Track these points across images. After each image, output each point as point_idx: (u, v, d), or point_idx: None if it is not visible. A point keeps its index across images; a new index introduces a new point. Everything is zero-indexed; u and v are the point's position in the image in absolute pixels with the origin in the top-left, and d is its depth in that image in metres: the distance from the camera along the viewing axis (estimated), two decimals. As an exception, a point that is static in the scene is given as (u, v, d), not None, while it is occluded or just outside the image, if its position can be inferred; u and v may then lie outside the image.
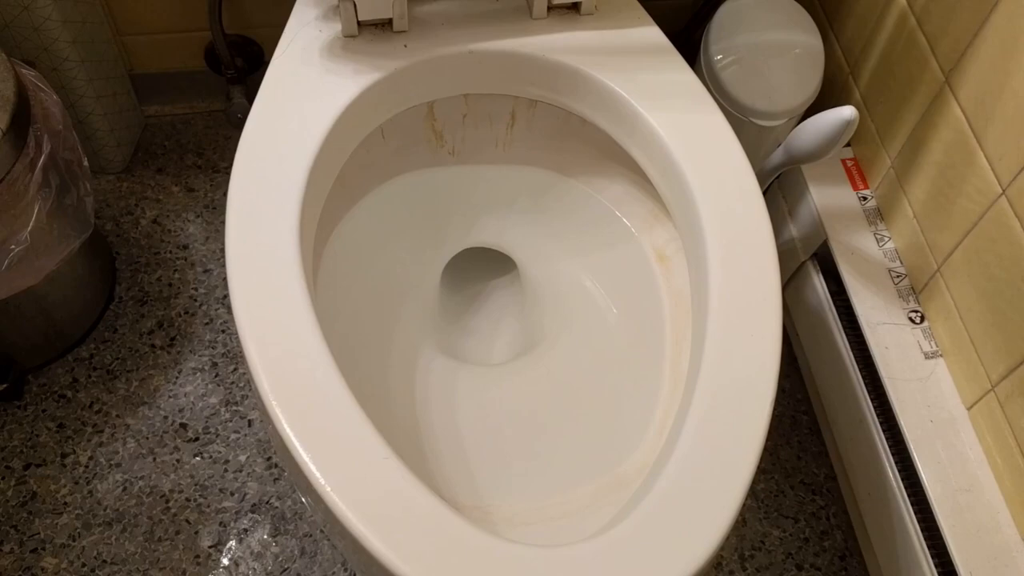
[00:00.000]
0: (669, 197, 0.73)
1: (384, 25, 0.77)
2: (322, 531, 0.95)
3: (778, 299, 0.63)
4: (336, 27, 0.76)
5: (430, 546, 0.52)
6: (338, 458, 0.55)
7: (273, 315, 0.61)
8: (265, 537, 0.95)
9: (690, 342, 0.67)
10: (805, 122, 0.80)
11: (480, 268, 0.92)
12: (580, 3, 0.78)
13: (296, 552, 0.95)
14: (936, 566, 0.80)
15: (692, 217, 0.68)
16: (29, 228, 0.85)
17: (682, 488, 0.55)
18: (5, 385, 1.00)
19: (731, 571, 0.97)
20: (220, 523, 0.96)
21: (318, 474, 0.54)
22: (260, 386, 0.58)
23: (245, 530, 0.96)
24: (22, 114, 0.83)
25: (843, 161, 1.00)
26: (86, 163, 0.93)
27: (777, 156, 0.87)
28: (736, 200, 0.68)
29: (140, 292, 1.11)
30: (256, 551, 0.95)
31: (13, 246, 0.84)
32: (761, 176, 0.91)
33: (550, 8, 0.78)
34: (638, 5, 0.81)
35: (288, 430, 0.56)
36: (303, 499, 0.61)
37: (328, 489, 0.54)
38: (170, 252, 1.15)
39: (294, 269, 0.63)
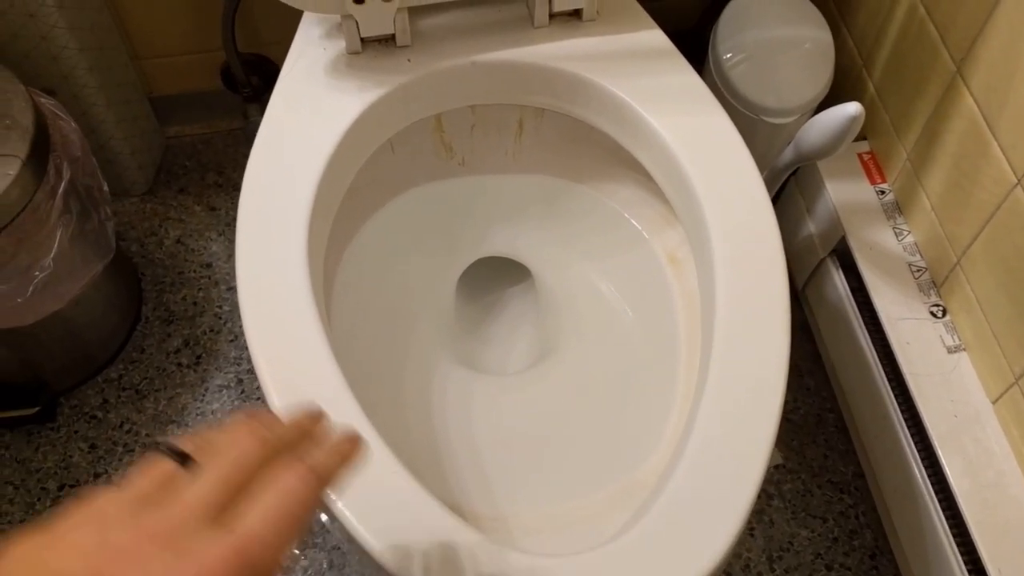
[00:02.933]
0: (676, 201, 0.72)
1: (387, 41, 0.77)
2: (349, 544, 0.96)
3: (786, 304, 0.63)
4: (340, 44, 0.77)
5: (440, 559, 0.52)
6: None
7: (283, 335, 0.62)
8: (294, 551, 0.96)
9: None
10: (811, 120, 0.79)
11: (495, 277, 0.92)
12: (581, 9, 0.78)
13: (325, 565, 0.96)
14: (965, 563, 0.79)
15: (698, 221, 0.68)
16: (52, 254, 0.87)
17: (690, 494, 0.55)
18: (38, 408, 1.02)
19: (759, 572, 0.96)
20: (249, 537, 0.97)
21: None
22: (272, 406, 0.59)
23: (273, 543, 0.97)
24: (42, 143, 0.85)
25: (859, 155, 0.98)
26: (106, 188, 0.95)
27: (788, 154, 0.86)
28: (742, 204, 0.68)
29: (166, 312, 1.13)
30: (285, 565, 0.95)
31: (37, 272, 0.86)
32: (774, 174, 0.90)
33: (552, 16, 0.78)
34: (640, 8, 0.80)
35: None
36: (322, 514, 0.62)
37: (339, 504, 0.54)
38: (194, 271, 1.16)
39: (303, 287, 0.63)
